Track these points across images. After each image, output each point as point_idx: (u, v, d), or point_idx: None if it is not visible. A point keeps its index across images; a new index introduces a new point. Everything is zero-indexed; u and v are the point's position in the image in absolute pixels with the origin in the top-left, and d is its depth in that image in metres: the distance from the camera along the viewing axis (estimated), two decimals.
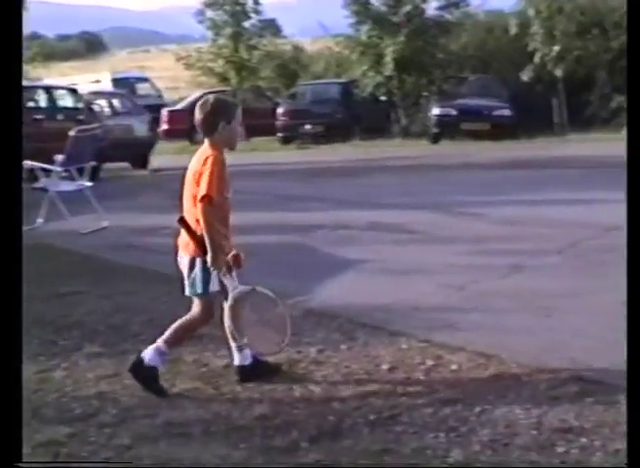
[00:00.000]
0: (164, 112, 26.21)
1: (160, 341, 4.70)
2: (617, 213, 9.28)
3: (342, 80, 27.10)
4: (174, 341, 4.75)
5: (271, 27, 29.91)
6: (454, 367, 4.80)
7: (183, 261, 4.72)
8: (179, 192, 4.78)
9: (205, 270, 4.61)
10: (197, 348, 5.27)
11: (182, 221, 4.66)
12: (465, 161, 16.69)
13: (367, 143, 22.82)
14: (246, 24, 27.25)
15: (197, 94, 28.74)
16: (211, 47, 27.45)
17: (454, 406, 4.25)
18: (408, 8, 24.05)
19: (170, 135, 25.32)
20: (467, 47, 26.66)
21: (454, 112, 21.99)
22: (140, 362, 4.70)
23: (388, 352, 5.06)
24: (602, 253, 7.40)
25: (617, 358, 4.81)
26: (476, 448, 3.79)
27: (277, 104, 26.25)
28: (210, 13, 27.21)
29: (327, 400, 4.48)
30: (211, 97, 4.87)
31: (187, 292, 4.71)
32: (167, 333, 4.71)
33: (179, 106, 26.95)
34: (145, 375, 4.68)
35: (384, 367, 4.86)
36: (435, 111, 22.60)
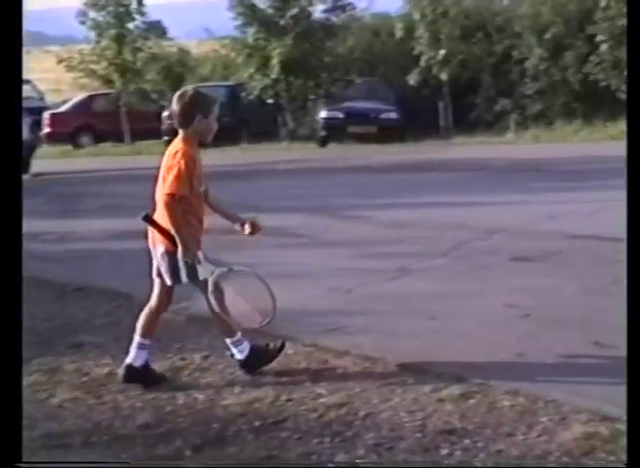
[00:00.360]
0: (46, 115, 25.70)
1: (136, 337, 4.75)
2: (500, 215, 9.59)
3: (229, 83, 26.99)
4: (147, 330, 4.78)
5: (156, 29, 29.54)
6: (339, 371, 4.83)
7: (157, 253, 4.72)
8: (61, 196, 4.71)
9: (174, 262, 4.64)
10: (78, 357, 5.17)
11: (147, 218, 4.66)
12: (352, 164, 16.77)
13: (254, 147, 22.78)
14: (130, 26, 26.86)
15: (80, 96, 28.36)
16: (94, 49, 26.97)
17: (338, 410, 4.27)
18: (294, 11, 24.11)
19: (52, 138, 24.86)
20: (354, 50, 26.88)
21: (341, 115, 22.11)
22: (129, 367, 4.74)
23: None
24: (485, 256, 7.57)
25: (499, 359, 4.92)
26: (360, 452, 3.82)
27: (163, 107, 25.98)
28: (93, 14, 26.76)
29: (211, 407, 4.46)
30: (190, 88, 4.91)
31: (168, 282, 4.73)
32: (138, 327, 4.77)
33: (61, 109, 26.48)
34: (142, 376, 4.73)
35: (270, 372, 4.86)
36: (322, 114, 22.69)
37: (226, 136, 23.66)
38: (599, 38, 19.27)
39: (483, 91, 22.81)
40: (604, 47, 19.14)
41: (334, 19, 24.95)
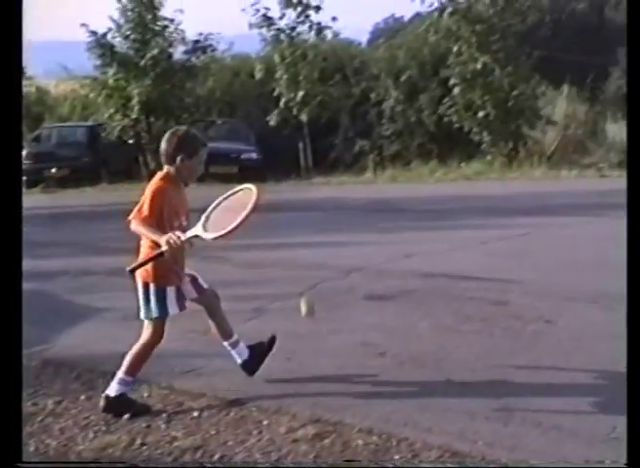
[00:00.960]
0: None
1: (120, 373, 4.86)
2: (358, 254, 9.71)
3: (89, 123, 26.64)
4: (132, 369, 4.86)
5: None
6: (195, 413, 4.80)
7: (138, 287, 4.86)
8: None
9: (159, 294, 4.81)
10: None
11: (132, 270, 4.79)
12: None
13: (114, 187, 22.49)
14: None
15: None
16: None
17: (194, 453, 4.24)
18: (154, 52, 23.98)
19: None
20: (215, 91, 26.92)
21: None
22: (107, 399, 4.83)
23: None
24: (342, 295, 7.63)
25: (354, 398, 4.97)
26: None
27: (21, 147, 25.45)
28: None
29: (64, 453, 4.37)
30: (181, 128, 5.05)
31: (142, 316, 4.86)
32: (124, 364, 4.87)
33: None
34: (120, 405, 4.81)
35: (124, 416, 4.78)
36: None
37: (86, 177, 23.37)
38: (452, 81, 19.85)
39: (342, 132, 23.17)
40: (457, 90, 19.72)
41: (194, 60, 24.93)
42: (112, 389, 4.86)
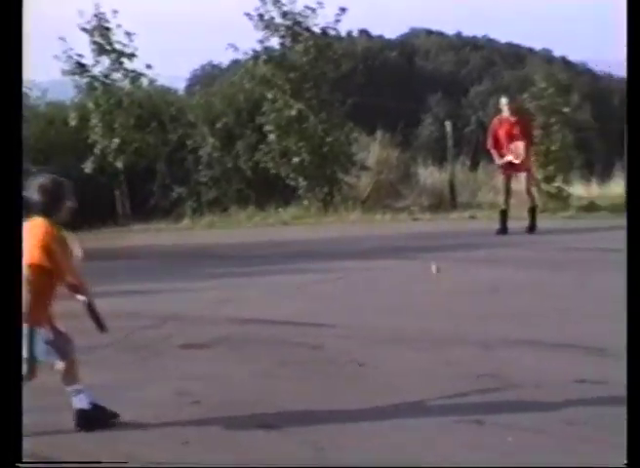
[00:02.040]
0: None
1: (67, 389, 5.18)
2: (173, 302, 9.66)
3: None
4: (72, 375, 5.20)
5: None
6: None
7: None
8: None
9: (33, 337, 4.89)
10: None
11: None
12: None
13: None
14: None
15: None
16: None
17: None
18: None
19: None
20: (29, 138, 26.26)
21: None
22: (78, 412, 5.11)
23: None
24: (157, 344, 7.58)
25: (167, 447, 4.93)
26: None
27: None
28: None
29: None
30: (43, 178, 5.29)
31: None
32: (62, 381, 5.21)
33: None
34: (93, 418, 5.12)
35: None
36: None
37: None
38: (267, 128, 20.07)
39: (159, 178, 23.01)
40: (272, 136, 19.95)
41: None
42: (78, 402, 5.17)
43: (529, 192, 14.78)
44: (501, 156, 14.49)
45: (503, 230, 14.50)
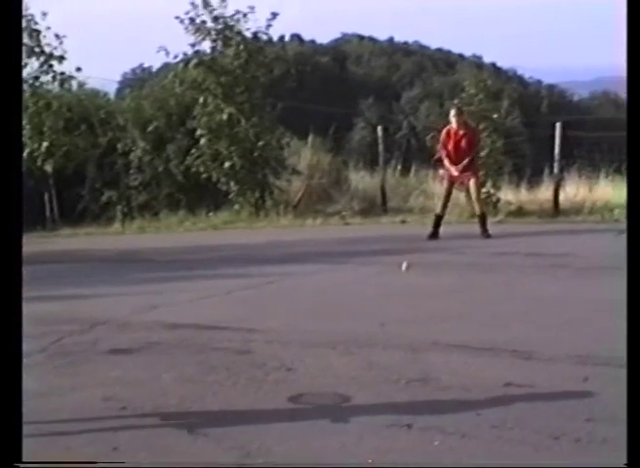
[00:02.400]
0: None
1: None
2: (103, 307, 9.57)
3: None
4: None
5: None
6: None
7: None
8: None
9: None
10: None
11: None
12: None
13: None
14: None
15: None
16: None
17: None
18: None
19: None
20: None
21: None
22: None
23: None
24: (85, 349, 7.51)
25: (94, 453, 4.88)
26: None
27: None
28: None
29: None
30: None
31: None
32: None
33: None
34: None
35: None
36: None
37: None
38: (199, 132, 19.99)
39: (89, 182, 22.79)
40: (203, 141, 19.86)
41: None
42: None
43: (478, 200, 14.95)
44: (451, 165, 14.70)
45: (435, 235, 14.65)
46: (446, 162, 14.84)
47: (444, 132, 15.11)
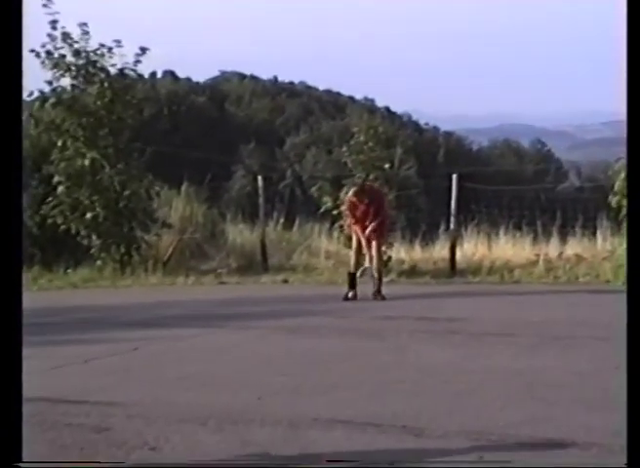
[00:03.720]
0: None
1: None
2: None
3: None
4: None
5: None
6: None
7: None
8: None
9: None
10: None
11: None
12: None
13: None
14: None
15: None
16: None
17: None
18: None
19: None
20: None
21: None
22: None
23: None
24: None
25: None
26: None
27: None
28: None
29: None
30: None
31: None
32: None
33: None
34: None
35: None
36: None
37: None
38: (56, 179, 19.67)
39: None
40: (61, 188, 19.54)
41: None
42: None
43: (378, 260, 15.09)
44: (360, 229, 14.92)
45: (352, 296, 14.81)
46: (355, 227, 15.06)
47: (348, 202, 15.30)
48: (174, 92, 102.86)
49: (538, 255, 18.05)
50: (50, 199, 19.80)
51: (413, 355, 10.16)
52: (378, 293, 14.81)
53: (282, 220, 22.60)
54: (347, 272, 15.23)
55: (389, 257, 18.07)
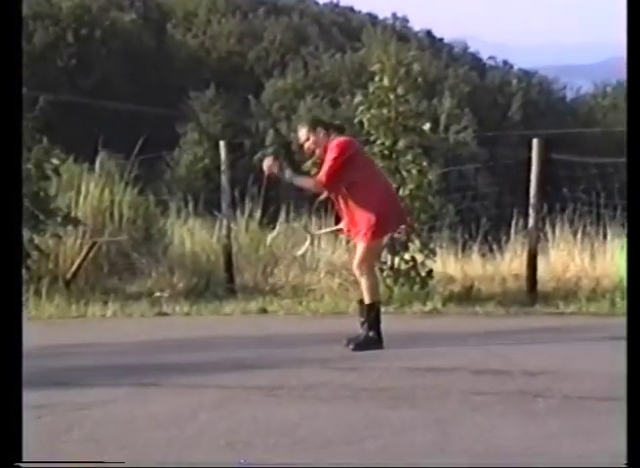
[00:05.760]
0: None
1: None
2: None
3: None
4: None
5: None
6: None
7: None
8: None
9: None
10: None
11: None
12: None
13: None
14: None
15: None
16: None
17: None
18: None
19: None
20: None
21: None
22: None
23: None
24: None
25: None
26: None
27: None
28: None
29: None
30: None
31: None
32: None
33: None
34: None
35: None
36: None
37: None
38: None
39: None
40: None
41: None
42: None
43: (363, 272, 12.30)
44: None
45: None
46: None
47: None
48: (83, 6, 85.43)
49: None
50: None
51: (468, 434, 7.57)
52: (366, 334, 11.14)
53: (258, 214, 18.01)
54: (359, 299, 11.51)
55: (428, 272, 14.63)
